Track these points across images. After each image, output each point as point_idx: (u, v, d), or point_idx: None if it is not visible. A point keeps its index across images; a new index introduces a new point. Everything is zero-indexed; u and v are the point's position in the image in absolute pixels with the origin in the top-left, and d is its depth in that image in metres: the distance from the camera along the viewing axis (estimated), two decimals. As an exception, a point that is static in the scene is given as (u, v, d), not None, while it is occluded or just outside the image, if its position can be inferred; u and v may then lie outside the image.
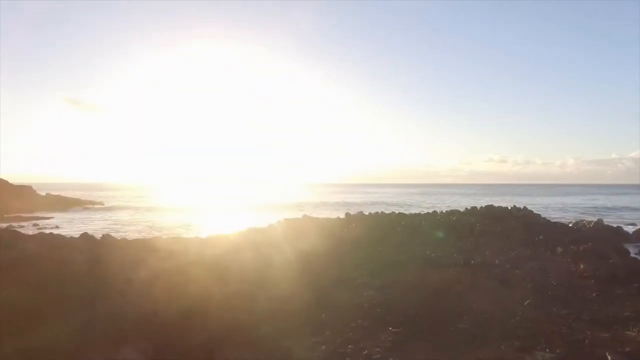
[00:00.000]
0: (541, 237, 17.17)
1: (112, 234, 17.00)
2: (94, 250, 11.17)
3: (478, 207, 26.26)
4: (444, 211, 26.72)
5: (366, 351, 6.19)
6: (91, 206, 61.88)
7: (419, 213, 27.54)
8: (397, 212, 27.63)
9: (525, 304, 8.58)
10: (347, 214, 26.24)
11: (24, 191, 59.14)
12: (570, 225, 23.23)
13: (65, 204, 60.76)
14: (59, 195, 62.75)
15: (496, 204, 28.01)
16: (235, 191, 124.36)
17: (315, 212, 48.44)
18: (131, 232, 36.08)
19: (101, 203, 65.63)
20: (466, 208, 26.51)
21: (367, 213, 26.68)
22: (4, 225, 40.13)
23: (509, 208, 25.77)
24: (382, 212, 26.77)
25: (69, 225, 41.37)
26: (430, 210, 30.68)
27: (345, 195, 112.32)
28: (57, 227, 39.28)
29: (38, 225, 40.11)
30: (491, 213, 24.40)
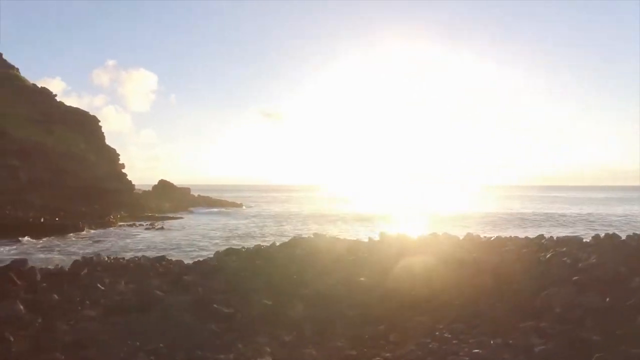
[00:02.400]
0: None
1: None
2: None
3: (624, 236, 13.66)
4: (548, 238, 15.05)
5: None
6: (230, 208, 65.97)
7: (525, 237, 16.57)
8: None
9: None
10: (383, 234, 17.57)
11: (180, 192, 67.34)
12: None
13: (208, 203, 66.58)
14: (206, 197, 69.46)
15: None
16: (397, 196, 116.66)
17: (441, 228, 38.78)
18: (207, 241, 34.74)
19: (241, 205, 69.66)
20: (597, 234, 14.19)
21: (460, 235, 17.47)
22: (124, 223, 44.79)
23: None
24: (448, 233, 16.99)
25: (176, 227, 43.56)
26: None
27: (513, 202, 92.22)
28: (162, 227, 41.68)
29: (154, 225, 43.34)
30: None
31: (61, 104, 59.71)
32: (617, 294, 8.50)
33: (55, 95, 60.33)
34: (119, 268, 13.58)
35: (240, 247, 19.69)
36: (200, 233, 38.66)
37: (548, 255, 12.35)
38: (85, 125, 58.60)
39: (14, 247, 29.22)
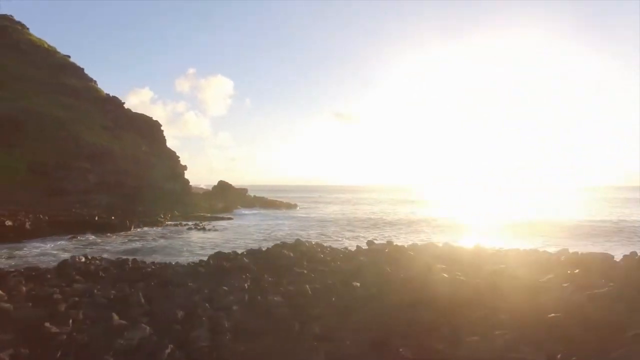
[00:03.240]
0: None
1: None
2: None
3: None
4: (572, 253, 11.46)
5: None
6: (282, 209, 65.86)
7: (544, 251, 13.24)
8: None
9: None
10: (370, 242, 15.12)
11: (236, 193, 68.94)
12: None
13: (262, 204, 67.18)
14: (261, 198, 70.23)
15: None
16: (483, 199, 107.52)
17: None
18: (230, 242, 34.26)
19: (295, 206, 69.27)
20: (634, 252, 10.36)
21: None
22: (172, 222, 46.23)
23: None
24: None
25: (220, 227, 44.05)
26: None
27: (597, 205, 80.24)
28: (204, 228, 42.36)
29: (198, 225, 44.32)
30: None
31: (128, 110, 64.45)
32: (588, 348, 5.49)
33: (124, 102, 65.23)
34: (65, 271, 13.01)
35: (253, 249, 18.53)
36: (238, 234, 38.53)
37: (545, 279, 9.17)
38: (148, 129, 62.67)
39: (58, 242, 31.29)
